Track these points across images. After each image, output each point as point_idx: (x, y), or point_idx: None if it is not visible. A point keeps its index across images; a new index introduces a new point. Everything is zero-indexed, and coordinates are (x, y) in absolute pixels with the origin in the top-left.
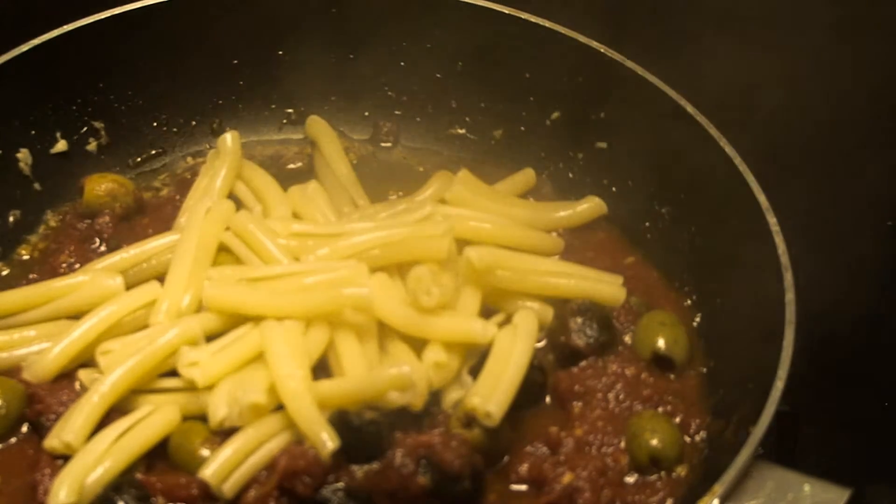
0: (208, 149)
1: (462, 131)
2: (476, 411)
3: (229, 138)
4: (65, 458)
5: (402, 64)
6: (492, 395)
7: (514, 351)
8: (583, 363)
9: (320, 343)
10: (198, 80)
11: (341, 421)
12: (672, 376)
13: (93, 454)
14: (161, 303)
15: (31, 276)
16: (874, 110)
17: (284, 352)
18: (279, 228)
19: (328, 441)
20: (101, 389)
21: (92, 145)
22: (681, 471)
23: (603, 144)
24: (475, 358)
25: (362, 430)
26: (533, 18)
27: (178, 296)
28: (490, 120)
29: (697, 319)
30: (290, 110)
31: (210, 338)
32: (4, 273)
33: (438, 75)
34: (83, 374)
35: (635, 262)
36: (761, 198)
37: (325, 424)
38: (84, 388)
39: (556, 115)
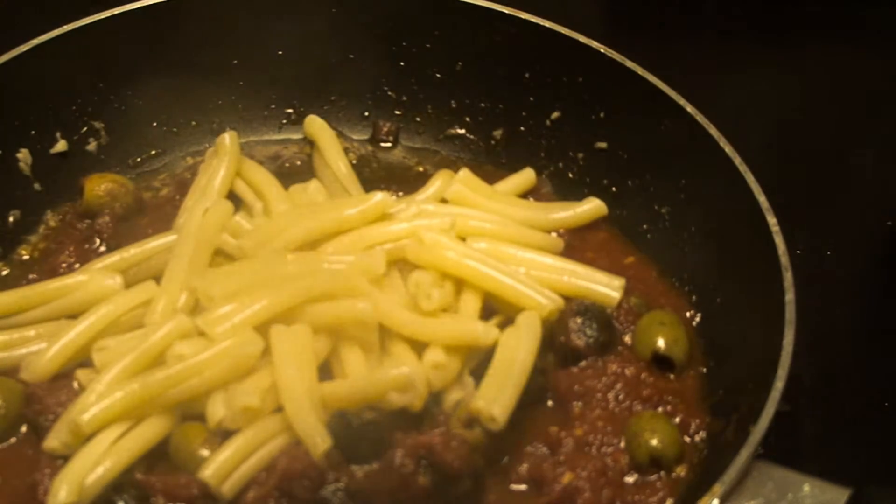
0: (208, 149)
1: (462, 131)
2: (481, 414)
3: (227, 138)
4: (65, 458)
5: (402, 64)
6: (497, 398)
7: (518, 354)
8: (583, 363)
9: (324, 345)
10: (197, 80)
11: (341, 421)
12: (672, 376)
13: (93, 454)
14: (157, 302)
15: (31, 276)
16: (875, 111)
17: (290, 354)
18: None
19: (320, 442)
20: (97, 389)
21: (92, 145)
22: (681, 471)
23: (603, 144)
24: (476, 359)
25: (362, 431)
26: (533, 18)
27: (174, 295)
28: (490, 120)
29: (697, 319)
30: (289, 110)
31: None
32: (4, 273)
33: (438, 75)
34: (81, 374)
35: (635, 262)
36: (761, 198)
37: (318, 426)
38: (82, 388)
39: (556, 115)
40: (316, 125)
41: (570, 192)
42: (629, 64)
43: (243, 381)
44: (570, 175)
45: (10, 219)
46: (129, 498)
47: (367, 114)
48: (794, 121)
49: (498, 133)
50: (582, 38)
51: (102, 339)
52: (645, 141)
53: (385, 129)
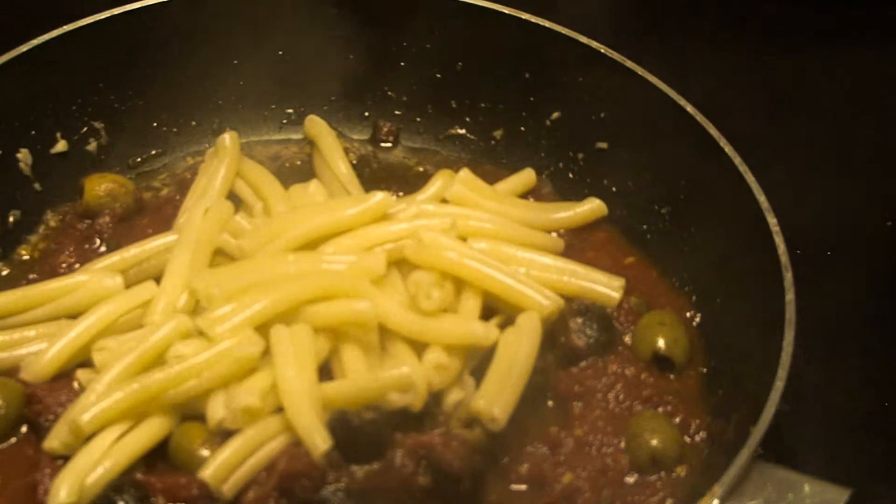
0: (208, 149)
1: (462, 131)
2: (481, 414)
3: (228, 138)
4: (65, 458)
5: (402, 64)
6: (497, 398)
7: (518, 354)
8: (583, 363)
9: (324, 345)
10: (198, 80)
11: (341, 421)
12: (672, 376)
13: (93, 454)
14: (157, 302)
15: (31, 276)
16: (875, 110)
17: (290, 354)
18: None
19: (320, 442)
20: (97, 389)
21: (92, 145)
22: (681, 471)
23: (603, 144)
24: (476, 359)
25: (362, 430)
26: (533, 18)
27: (174, 295)
28: (490, 120)
29: (697, 319)
30: (290, 110)
31: None
32: (4, 273)
33: (438, 75)
34: (81, 374)
35: (635, 262)
36: (761, 198)
37: (319, 426)
38: (82, 388)
39: (556, 115)
40: (316, 125)
41: (570, 192)
42: (629, 64)
43: (243, 382)
44: (570, 175)
45: (10, 219)
46: (129, 498)
47: (367, 114)
48: (793, 121)
49: (498, 133)
50: (582, 38)
51: (102, 339)
52: (645, 141)
53: (385, 129)
